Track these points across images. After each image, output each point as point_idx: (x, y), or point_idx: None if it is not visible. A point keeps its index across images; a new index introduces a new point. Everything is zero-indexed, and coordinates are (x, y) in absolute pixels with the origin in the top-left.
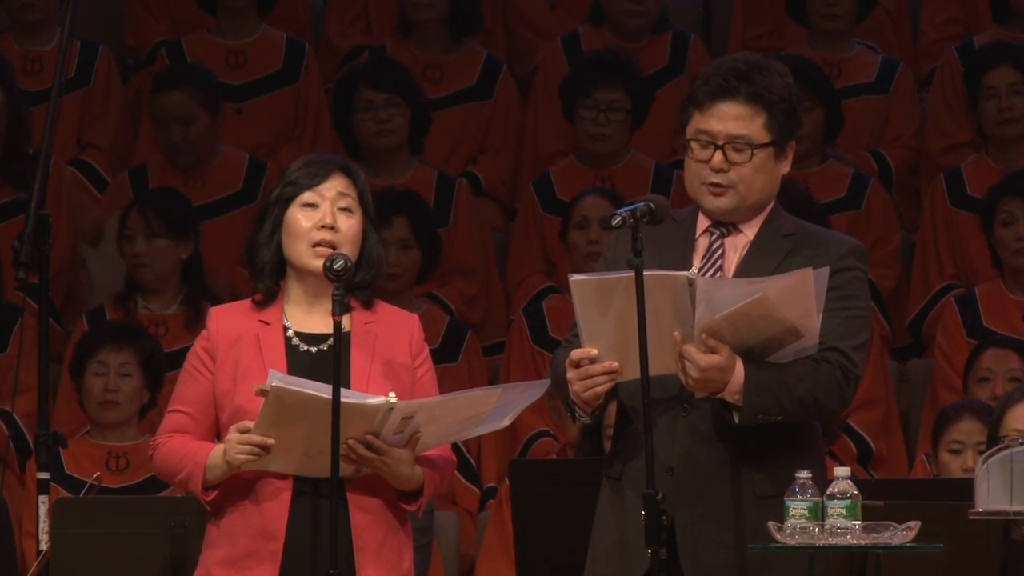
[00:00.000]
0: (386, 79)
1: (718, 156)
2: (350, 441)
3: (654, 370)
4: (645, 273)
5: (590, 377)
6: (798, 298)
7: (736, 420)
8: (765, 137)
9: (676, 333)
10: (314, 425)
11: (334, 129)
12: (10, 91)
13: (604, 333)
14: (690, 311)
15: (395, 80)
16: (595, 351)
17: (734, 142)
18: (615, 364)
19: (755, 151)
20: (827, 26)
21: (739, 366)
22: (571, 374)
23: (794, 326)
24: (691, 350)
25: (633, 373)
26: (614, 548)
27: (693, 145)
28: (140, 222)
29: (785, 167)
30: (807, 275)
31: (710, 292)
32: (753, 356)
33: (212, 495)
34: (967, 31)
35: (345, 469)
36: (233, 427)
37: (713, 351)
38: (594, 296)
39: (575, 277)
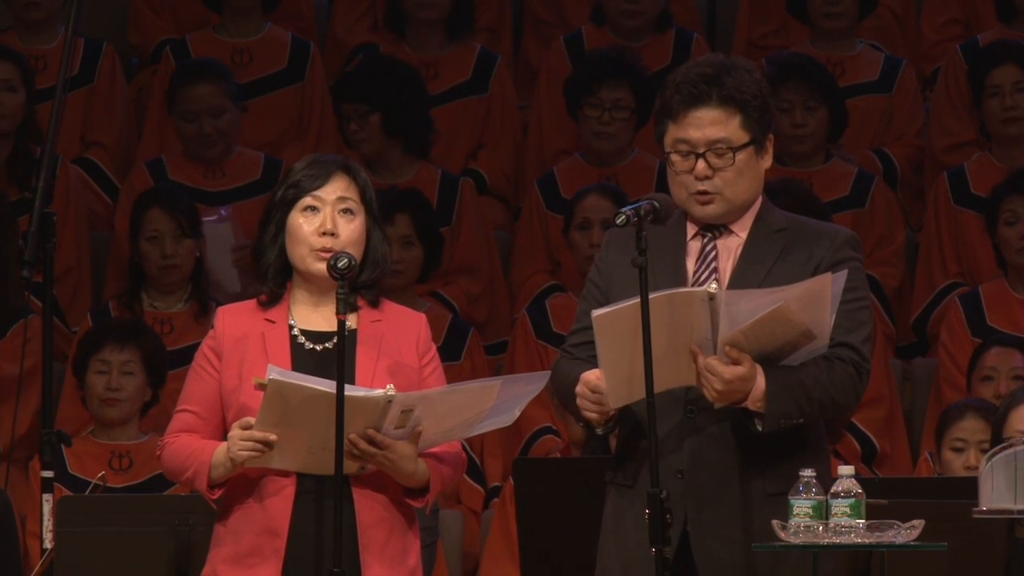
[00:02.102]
0: (352, 89)
1: (700, 164)
2: (352, 436)
3: (675, 383)
4: (665, 293)
5: (601, 404)
6: (815, 303)
7: (759, 428)
8: (744, 137)
9: (693, 347)
10: (315, 421)
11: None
12: (29, 92)
13: (623, 360)
14: (708, 325)
15: (359, 89)
16: (603, 385)
17: (714, 147)
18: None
19: (736, 153)
20: (828, 25)
21: (759, 374)
22: (581, 393)
23: (809, 329)
24: (714, 363)
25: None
26: (627, 556)
27: (674, 157)
28: (168, 222)
29: (767, 162)
30: (826, 281)
31: (731, 305)
32: (768, 361)
33: (218, 493)
34: (967, 32)
35: (349, 466)
36: (235, 424)
37: (736, 362)
38: (616, 326)
39: (596, 313)
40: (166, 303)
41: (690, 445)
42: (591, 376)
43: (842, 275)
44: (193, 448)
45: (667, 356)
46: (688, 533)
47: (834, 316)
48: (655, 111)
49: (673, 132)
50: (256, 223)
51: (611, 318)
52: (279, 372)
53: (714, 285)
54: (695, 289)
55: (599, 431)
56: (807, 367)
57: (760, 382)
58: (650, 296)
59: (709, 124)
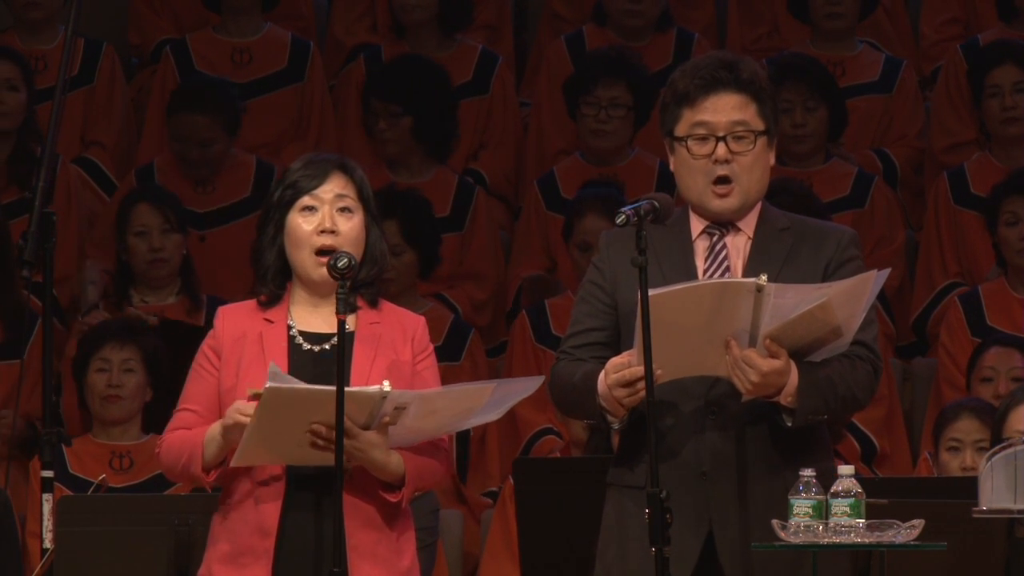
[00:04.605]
0: (387, 87)
1: (721, 147)
2: (314, 426)
3: (703, 372)
4: (718, 282)
5: (629, 383)
6: (853, 300)
7: (789, 423)
8: (760, 125)
9: (730, 339)
10: (308, 419)
11: (363, 128)
12: (30, 91)
13: (658, 343)
14: (748, 316)
15: (397, 89)
16: (632, 358)
17: (734, 130)
18: (641, 370)
19: (757, 138)
20: (829, 25)
21: (793, 369)
22: (612, 379)
23: (839, 327)
24: (752, 355)
25: (675, 373)
26: (634, 562)
27: (690, 142)
28: (156, 217)
29: (772, 159)
30: (870, 278)
31: (778, 298)
32: (796, 356)
33: (213, 475)
34: (967, 32)
35: (329, 459)
36: (234, 404)
37: (774, 356)
38: (663, 310)
39: (652, 293)
40: (157, 297)
41: (712, 446)
42: (616, 359)
43: (885, 273)
44: (186, 437)
45: (700, 345)
46: (713, 533)
47: (864, 315)
48: (663, 102)
49: (690, 117)
50: (247, 245)
51: (662, 300)
52: (277, 378)
53: (764, 276)
54: (744, 280)
55: (617, 425)
56: (832, 364)
57: (794, 377)
58: (702, 283)
59: (730, 108)
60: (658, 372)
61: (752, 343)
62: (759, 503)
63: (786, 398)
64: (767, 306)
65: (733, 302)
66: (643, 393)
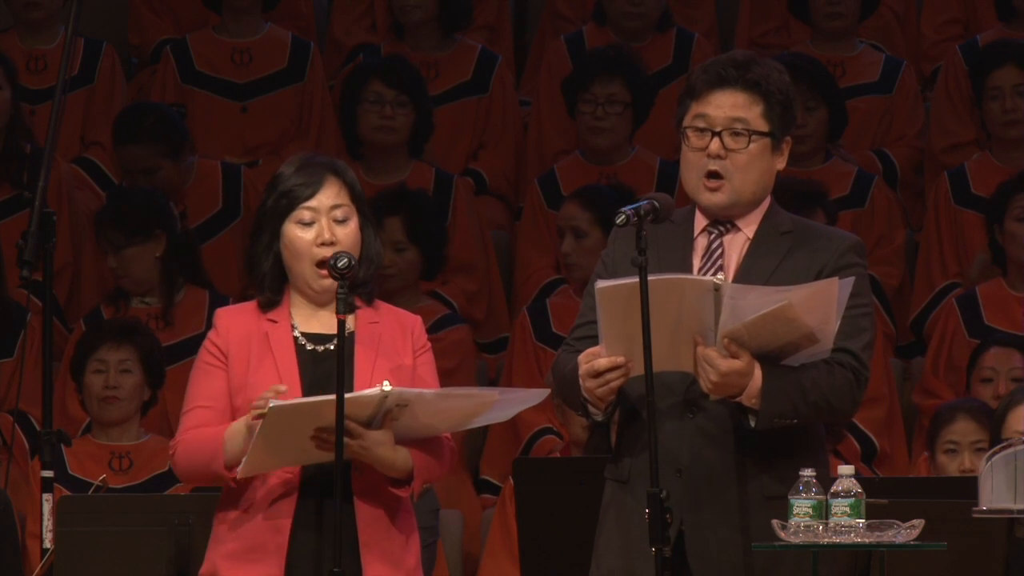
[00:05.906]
0: (399, 77)
1: (715, 142)
2: (317, 433)
3: (672, 367)
4: (670, 277)
5: (600, 374)
6: (820, 306)
7: (752, 424)
8: (763, 126)
9: (697, 337)
10: (310, 424)
11: (337, 121)
12: (14, 89)
13: (624, 335)
14: (712, 315)
15: (407, 80)
16: (602, 350)
17: (732, 126)
18: (620, 359)
19: (752, 137)
20: (830, 25)
21: (757, 371)
22: (582, 370)
23: (812, 332)
24: (712, 354)
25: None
26: (621, 552)
27: (690, 132)
28: (103, 239)
29: (781, 163)
30: (832, 285)
31: (736, 298)
32: (768, 359)
33: (235, 472)
34: (967, 32)
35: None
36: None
37: (734, 356)
38: (617, 301)
39: (600, 285)
40: (155, 298)
41: (690, 444)
42: (589, 350)
43: (849, 281)
44: (205, 435)
45: (668, 340)
46: (684, 533)
47: (839, 322)
48: (680, 97)
49: (694, 109)
50: (231, 257)
51: (614, 292)
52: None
53: (720, 276)
54: (702, 278)
55: (600, 417)
56: (807, 369)
57: (757, 379)
58: (655, 278)
59: (730, 105)
60: (629, 364)
61: (717, 343)
62: (732, 505)
63: (749, 399)
64: (726, 306)
65: (695, 300)
66: (613, 384)
